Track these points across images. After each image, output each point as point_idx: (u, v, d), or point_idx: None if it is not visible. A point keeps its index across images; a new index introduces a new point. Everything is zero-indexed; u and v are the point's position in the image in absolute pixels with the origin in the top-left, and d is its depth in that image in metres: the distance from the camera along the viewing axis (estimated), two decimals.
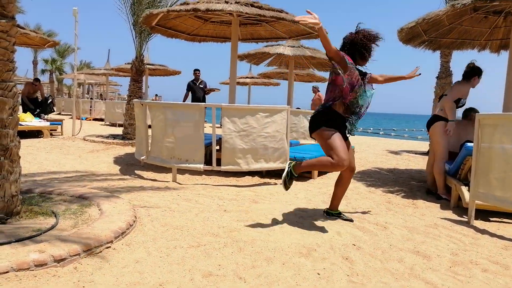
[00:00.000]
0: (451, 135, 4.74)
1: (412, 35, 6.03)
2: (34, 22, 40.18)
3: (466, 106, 5.11)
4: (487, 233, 3.45)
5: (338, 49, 3.33)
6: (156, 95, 29.69)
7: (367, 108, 3.44)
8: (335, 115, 3.37)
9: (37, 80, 11.62)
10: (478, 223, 3.73)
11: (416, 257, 2.81)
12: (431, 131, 4.80)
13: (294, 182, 5.33)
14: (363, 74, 3.47)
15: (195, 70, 9.95)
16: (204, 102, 9.73)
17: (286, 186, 3.47)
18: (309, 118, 3.51)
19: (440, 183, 4.75)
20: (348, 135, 3.54)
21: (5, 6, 2.89)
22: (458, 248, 3.03)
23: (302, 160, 5.45)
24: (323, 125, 3.33)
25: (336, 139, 3.27)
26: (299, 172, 3.45)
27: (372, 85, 3.53)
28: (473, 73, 4.75)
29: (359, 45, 3.32)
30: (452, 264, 2.70)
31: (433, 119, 4.80)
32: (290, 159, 5.34)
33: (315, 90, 13.63)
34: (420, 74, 3.61)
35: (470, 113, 5.22)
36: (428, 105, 9.37)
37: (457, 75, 11.22)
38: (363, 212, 3.97)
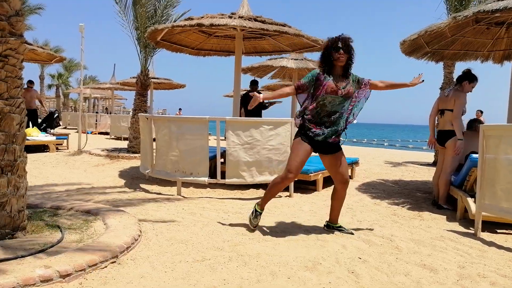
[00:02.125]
0: (460, 154, 4.75)
1: (414, 47, 6.05)
2: (42, 38, 40.94)
3: (471, 116, 5.13)
4: (494, 245, 3.41)
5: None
6: (180, 109, 30.13)
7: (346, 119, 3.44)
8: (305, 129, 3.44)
9: (30, 82, 10.86)
10: (485, 235, 3.70)
11: (423, 270, 2.78)
12: (449, 144, 4.77)
13: (299, 194, 5.39)
14: (356, 82, 3.45)
15: (253, 81, 8.20)
16: (261, 116, 8.37)
17: (252, 223, 3.59)
18: None
19: (443, 194, 4.82)
20: (339, 145, 3.49)
21: (14, 24, 2.96)
22: (465, 260, 3.00)
23: (307, 173, 5.51)
24: (296, 137, 3.48)
25: (294, 149, 3.42)
26: (263, 205, 3.61)
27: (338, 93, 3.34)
28: (464, 78, 4.81)
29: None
30: (459, 277, 2.67)
31: (450, 134, 4.77)
32: None
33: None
34: (423, 81, 3.52)
35: (475, 124, 5.21)
36: None
37: None
38: (369, 225, 3.95)
